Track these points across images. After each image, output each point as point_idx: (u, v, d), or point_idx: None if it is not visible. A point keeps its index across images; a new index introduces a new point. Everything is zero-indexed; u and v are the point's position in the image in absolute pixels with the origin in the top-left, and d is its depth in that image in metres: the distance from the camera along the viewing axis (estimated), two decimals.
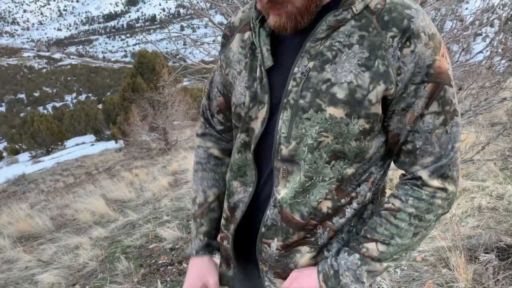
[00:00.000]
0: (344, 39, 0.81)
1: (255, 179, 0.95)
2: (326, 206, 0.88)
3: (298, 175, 0.86)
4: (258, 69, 0.90)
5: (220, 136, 1.13)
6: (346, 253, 0.87)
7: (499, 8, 3.08)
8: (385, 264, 0.87)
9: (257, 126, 0.92)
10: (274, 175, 0.91)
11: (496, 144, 3.99)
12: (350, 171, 0.87)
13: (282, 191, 0.89)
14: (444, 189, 0.84)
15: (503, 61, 3.04)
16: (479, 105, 3.11)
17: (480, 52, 3.30)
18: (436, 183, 0.84)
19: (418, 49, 0.77)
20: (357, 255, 0.86)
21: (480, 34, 3.64)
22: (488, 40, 3.38)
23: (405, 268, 2.45)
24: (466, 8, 3.36)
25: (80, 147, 31.53)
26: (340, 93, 0.80)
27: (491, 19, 3.11)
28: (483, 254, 2.36)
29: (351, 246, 0.88)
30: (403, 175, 0.90)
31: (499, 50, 2.99)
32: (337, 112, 0.80)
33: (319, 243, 0.92)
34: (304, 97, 0.82)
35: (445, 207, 0.86)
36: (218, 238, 1.08)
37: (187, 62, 3.39)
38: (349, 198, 0.88)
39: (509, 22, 3.07)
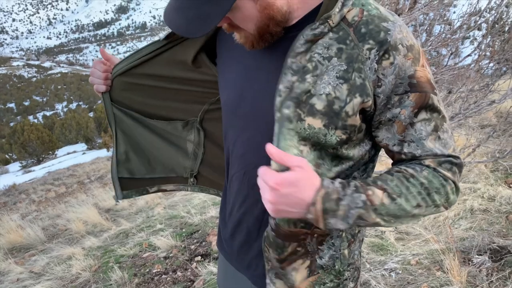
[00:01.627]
0: (323, 51, 0.82)
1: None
2: None
3: None
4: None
5: None
6: (355, 189, 0.80)
7: (486, 11, 3.13)
8: (377, 219, 0.80)
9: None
10: None
11: (486, 146, 4.03)
12: (330, 175, 0.87)
13: None
14: (454, 182, 0.83)
15: (491, 64, 3.08)
16: (468, 108, 3.14)
17: (469, 55, 3.35)
18: (446, 173, 0.82)
19: (397, 61, 0.78)
20: (363, 196, 0.79)
21: (468, 38, 3.69)
22: (476, 43, 3.43)
23: (400, 272, 2.46)
24: (454, 12, 3.41)
25: (72, 156, 31.24)
26: (319, 104, 0.81)
27: (478, 22, 3.16)
28: (477, 256, 2.38)
29: (358, 185, 0.81)
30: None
31: (487, 53, 3.03)
32: (316, 123, 0.81)
33: (309, 250, 0.92)
34: (288, 107, 0.83)
35: (449, 200, 0.83)
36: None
37: None
38: None
39: (496, 25, 3.11)
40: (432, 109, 0.82)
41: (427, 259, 2.52)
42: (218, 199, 5.58)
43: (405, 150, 0.84)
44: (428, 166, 0.83)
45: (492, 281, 2.14)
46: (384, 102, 0.81)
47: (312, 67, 0.82)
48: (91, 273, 3.88)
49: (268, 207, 0.79)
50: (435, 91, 0.82)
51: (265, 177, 0.77)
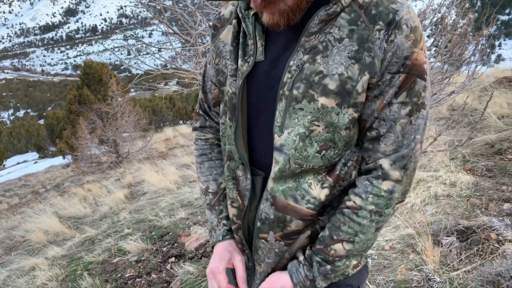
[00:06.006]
0: (335, 33, 0.84)
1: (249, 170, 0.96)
2: (317, 189, 0.90)
3: (286, 164, 0.88)
4: (240, 59, 0.95)
5: (219, 127, 1.14)
6: (319, 264, 0.92)
7: (430, 12, 3.34)
8: (354, 262, 0.94)
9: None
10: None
11: (444, 136, 4.27)
12: (336, 158, 0.90)
13: (272, 181, 0.91)
14: (401, 182, 0.89)
15: (446, 65, 3.27)
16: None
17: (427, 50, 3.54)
18: (396, 174, 0.87)
19: (397, 39, 0.81)
20: (328, 267, 0.91)
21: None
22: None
23: (376, 257, 2.55)
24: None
25: (22, 166, 29.66)
26: (332, 84, 0.83)
27: (423, 22, 3.36)
28: (445, 238, 2.51)
29: (318, 250, 0.92)
30: (365, 163, 0.92)
31: (445, 47, 3.21)
32: (329, 102, 0.84)
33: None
34: (297, 88, 0.85)
35: (399, 197, 0.91)
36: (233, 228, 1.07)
37: (146, 69, 3.33)
38: (337, 179, 0.92)
39: (440, 26, 3.29)
40: (413, 93, 0.85)
41: (400, 243, 2.63)
42: (187, 200, 5.51)
43: (374, 125, 0.87)
44: (377, 170, 0.89)
45: (461, 259, 2.28)
46: (378, 79, 0.84)
47: (322, 47, 0.85)
48: (58, 282, 3.71)
49: None
50: (425, 76, 0.85)
51: None
